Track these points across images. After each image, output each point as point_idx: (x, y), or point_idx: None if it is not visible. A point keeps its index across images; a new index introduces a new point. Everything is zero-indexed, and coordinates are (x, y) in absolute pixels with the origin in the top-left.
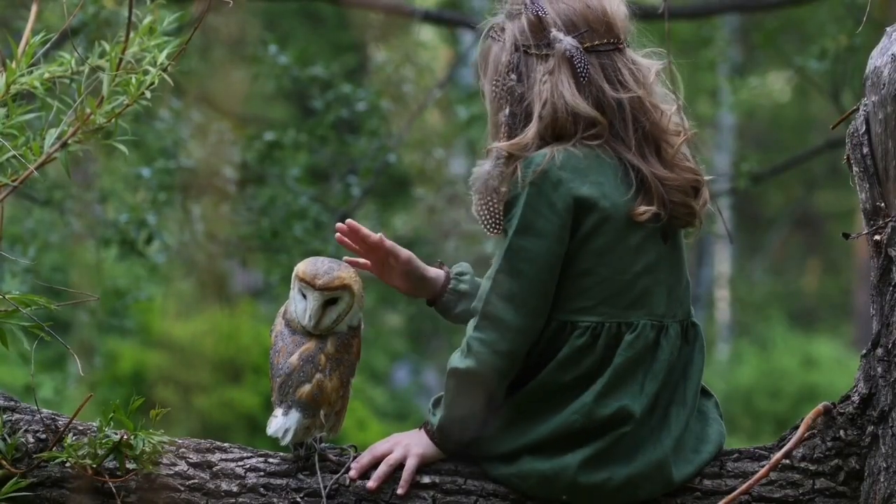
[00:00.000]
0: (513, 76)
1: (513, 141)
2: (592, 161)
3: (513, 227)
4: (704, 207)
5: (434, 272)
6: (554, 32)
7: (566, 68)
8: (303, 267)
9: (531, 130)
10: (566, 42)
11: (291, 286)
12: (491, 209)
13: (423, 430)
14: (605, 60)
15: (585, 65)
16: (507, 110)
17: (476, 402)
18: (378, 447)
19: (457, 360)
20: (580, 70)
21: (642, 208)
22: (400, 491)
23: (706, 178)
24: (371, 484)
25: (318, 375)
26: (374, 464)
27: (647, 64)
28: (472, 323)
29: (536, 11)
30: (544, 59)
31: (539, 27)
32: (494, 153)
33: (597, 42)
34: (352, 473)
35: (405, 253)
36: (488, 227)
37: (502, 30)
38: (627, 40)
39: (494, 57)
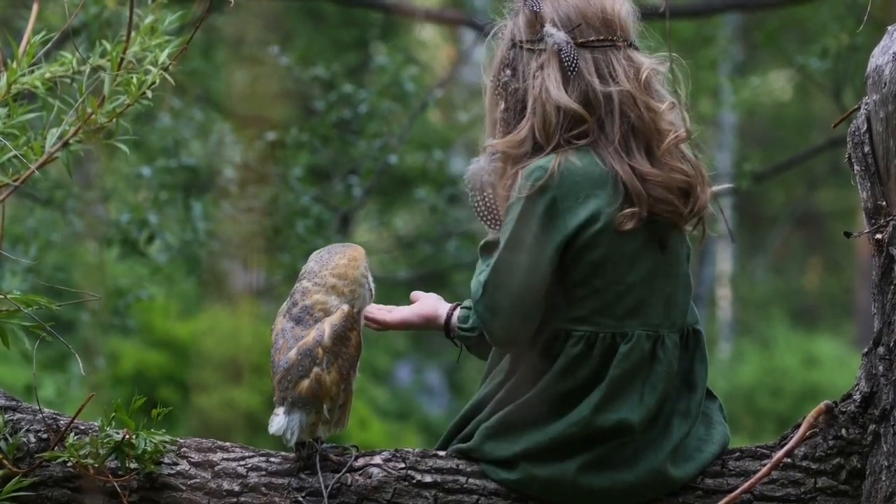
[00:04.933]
0: (508, 72)
1: (506, 138)
2: (590, 169)
3: (504, 238)
4: (700, 211)
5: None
6: (548, 27)
7: (555, 62)
8: (363, 254)
9: (524, 128)
10: (556, 36)
11: (365, 282)
12: (488, 204)
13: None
14: (598, 55)
15: (574, 58)
16: (502, 106)
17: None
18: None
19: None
20: (567, 63)
21: (625, 213)
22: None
23: (717, 186)
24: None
25: (315, 369)
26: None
27: (645, 63)
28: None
29: (532, 6)
30: (538, 54)
31: (534, 22)
32: (489, 150)
33: (592, 38)
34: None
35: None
36: (487, 222)
37: (505, 28)
38: (631, 40)
39: (495, 55)
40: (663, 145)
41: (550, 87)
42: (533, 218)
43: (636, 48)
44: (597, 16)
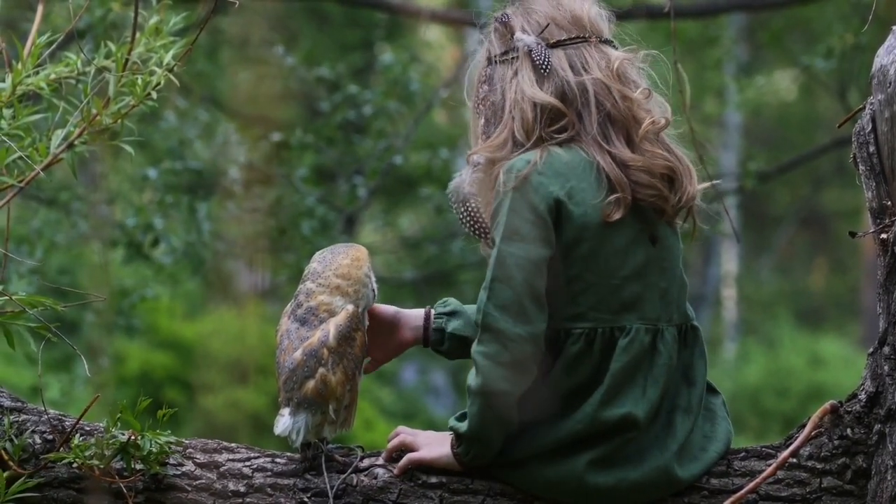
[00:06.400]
0: (485, 87)
1: (486, 143)
2: (575, 162)
3: (499, 234)
4: (688, 203)
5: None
6: (518, 34)
7: (527, 63)
8: (366, 254)
9: (503, 131)
10: (526, 39)
11: (368, 283)
12: (472, 215)
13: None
14: (570, 52)
15: (546, 56)
16: (482, 121)
17: (496, 417)
18: (408, 438)
19: (470, 377)
20: (539, 61)
21: (610, 201)
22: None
23: (716, 181)
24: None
25: (321, 370)
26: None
27: (615, 54)
28: (477, 338)
29: (502, 18)
30: (511, 62)
31: (505, 34)
32: (471, 161)
33: (563, 37)
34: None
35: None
36: (473, 231)
37: (480, 52)
38: (603, 37)
39: (473, 77)
40: (640, 131)
41: (525, 87)
42: (523, 205)
43: (611, 44)
44: (566, 17)
